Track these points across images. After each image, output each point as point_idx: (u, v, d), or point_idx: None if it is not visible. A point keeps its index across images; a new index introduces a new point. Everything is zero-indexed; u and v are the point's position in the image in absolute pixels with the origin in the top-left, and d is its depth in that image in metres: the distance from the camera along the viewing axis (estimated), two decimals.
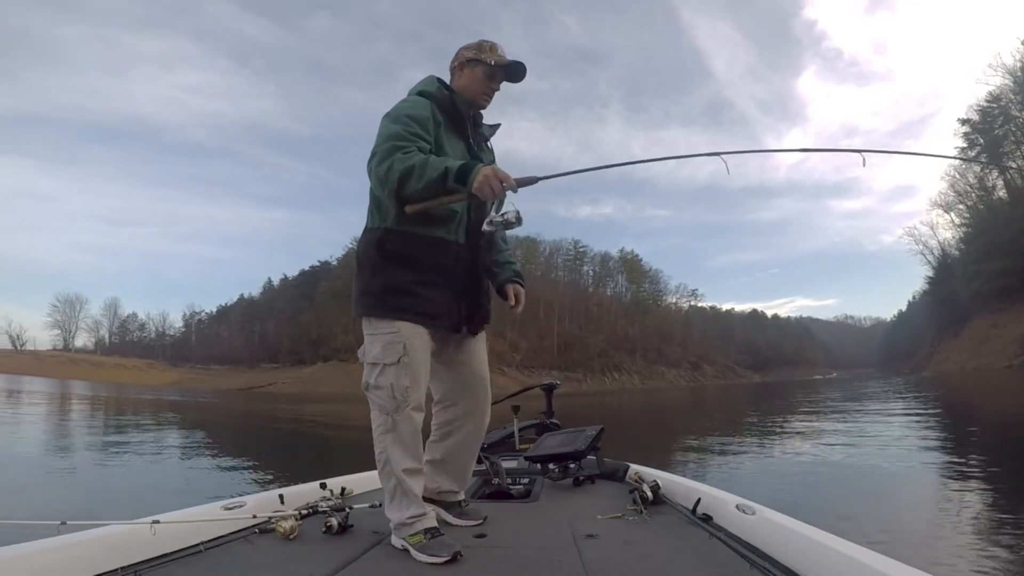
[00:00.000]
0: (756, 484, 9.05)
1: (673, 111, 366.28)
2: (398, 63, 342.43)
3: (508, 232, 2.70)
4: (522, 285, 3.07)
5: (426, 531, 2.35)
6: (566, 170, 2.64)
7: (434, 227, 2.59)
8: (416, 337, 2.53)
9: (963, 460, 9.93)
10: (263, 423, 25.63)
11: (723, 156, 2.75)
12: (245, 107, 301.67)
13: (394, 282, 2.56)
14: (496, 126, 3.06)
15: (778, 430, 17.37)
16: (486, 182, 2.28)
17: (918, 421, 17.23)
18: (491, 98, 2.90)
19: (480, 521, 2.87)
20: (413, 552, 2.30)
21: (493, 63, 2.81)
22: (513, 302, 2.98)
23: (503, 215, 2.42)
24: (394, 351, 2.49)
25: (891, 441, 12.87)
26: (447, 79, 2.92)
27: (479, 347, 2.94)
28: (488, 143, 3.05)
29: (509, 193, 2.40)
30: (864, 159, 2.75)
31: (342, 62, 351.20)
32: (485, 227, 2.46)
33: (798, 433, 16.25)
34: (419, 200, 2.43)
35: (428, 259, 2.59)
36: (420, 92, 2.76)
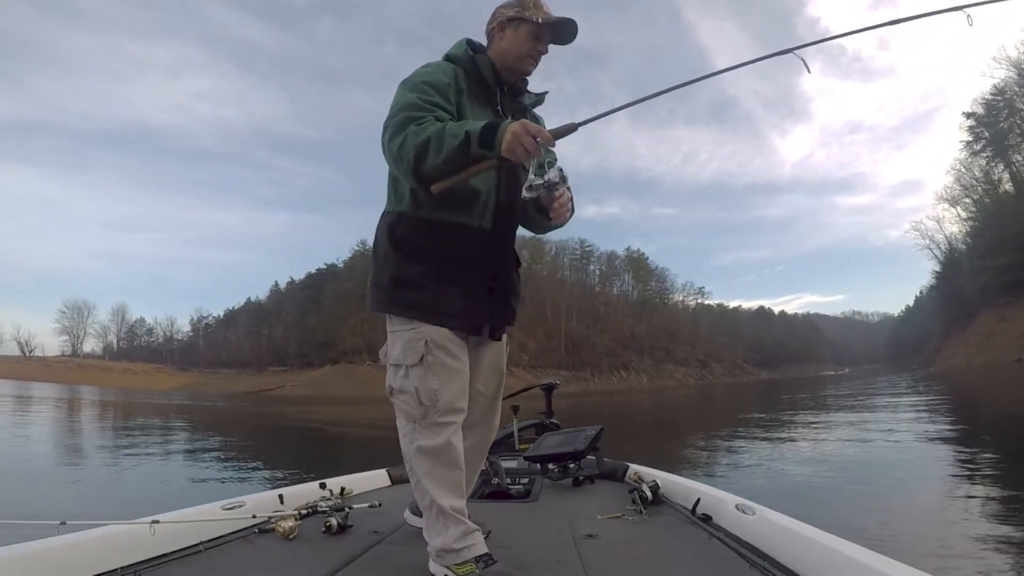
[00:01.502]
0: (773, 484, 9.03)
1: (678, 110, 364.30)
2: (403, 66, 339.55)
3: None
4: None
5: (478, 559, 2.06)
6: (608, 110, 2.37)
7: (455, 211, 2.27)
8: (439, 333, 2.22)
9: (975, 457, 9.88)
10: (272, 426, 25.65)
11: (796, 52, 2.50)
12: (251, 112, 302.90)
13: (402, 274, 2.27)
14: (543, 94, 2.68)
15: (802, 428, 17.32)
16: (516, 140, 1.96)
17: (928, 418, 17.13)
18: (537, 62, 2.50)
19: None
20: None
21: (540, 20, 2.40)
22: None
23: (544, 177, 2.08)
24: (415, 350, 2.19)
25: (904, 439, 12.82)
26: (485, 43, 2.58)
27: (498, 354, 2.59)
28: (532, 113, 2.68)
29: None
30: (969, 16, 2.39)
31: (347, 66, 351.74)
32: (525, 193, 2.12)
33: (817, 430, 16.21)
34: (442, 176, 2.10)
35: (445, 250, 2.26)
36: (447, 56, 2.49)
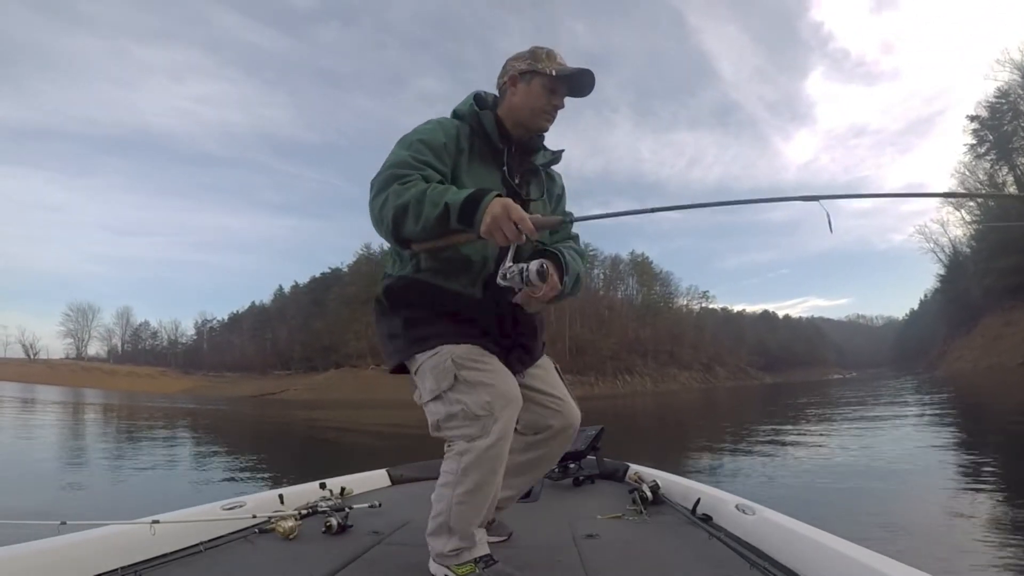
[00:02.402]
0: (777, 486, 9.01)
1: (681, 114, 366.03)
2: (408, 70, 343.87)
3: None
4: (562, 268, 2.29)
5: (477, 560, 2.03)
6: (604, 212, 2.26)
7: (449, 278, 2.19)
8: (462, 348, 2.10)
9: (979, 460, 9.86)
10: (275, 429, 25.66)
11: (821, 202, 2.01)
12: (256, 116, 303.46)
13: (412, 315, 2.20)
14: (559, 152, 2.53)
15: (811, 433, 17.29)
16: (495, 224, 1.83)
17: (934, 422, 17.09)
18: (554, 117, 2.36)
19: (506, 537, 2.59)
20: None
21: (554, 73, 2.26)
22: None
23: (522, 269, 1.93)
24: (446, 373, 2.05)
25: (911, 443, 12.78)
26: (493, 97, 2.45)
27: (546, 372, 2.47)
28: (546, 172, 2.54)
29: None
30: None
31: (352, 70, 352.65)
32: (499, 280, 1.98)
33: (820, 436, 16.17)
34: (423, 241, 2.03)
35: (442, 308, 2.19)
36: (454, 112, 2.39)
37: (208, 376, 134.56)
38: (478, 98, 2.41)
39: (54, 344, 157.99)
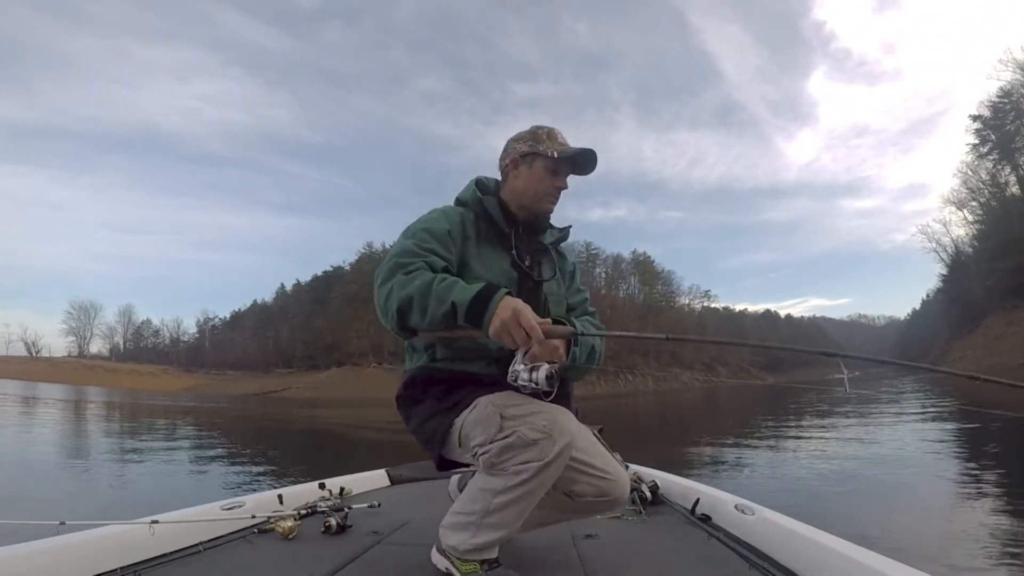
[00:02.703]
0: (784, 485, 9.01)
1: (683, 113, 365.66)
2: (410, 70, 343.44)
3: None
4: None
5: (483, 562, 1.96)
6: (611, 331, 2.16)
7: (467, 363, 2.15)
8: (501, 396, 1.99)
9: (980, 462, 9.85)
10: (277, 427, 25.67)
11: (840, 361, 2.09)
12: (259, 116, 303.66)
13: (438, 393, 2.15)
14: (566, 229, 2.50)
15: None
16: (505, 328, 1.77)
17: (934, 423, 17.06)
18: (557, 199, 2.33)
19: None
20: None
21: (555, 155, 2.25)
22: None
23: (531, 374, 1.85)
24: (491, 418, 1.92)
25: (910, 444, 12.76)
26: (495, 178, 2.44)
27: None
28: (556, 251, 2.51)
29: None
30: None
31: (354, 70, 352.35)
32: (508, 379, 1.91)
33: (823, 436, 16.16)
34: (428, 332, 1.98)
35: (467, 384, 2.12)
36: (457, 199, 2.37)
37: (210, 374, 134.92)
38: (480, 184, 2.38)
39: (56, 342, 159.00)
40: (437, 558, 2.09)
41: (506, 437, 1.86)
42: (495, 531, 1.93)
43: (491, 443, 1.88)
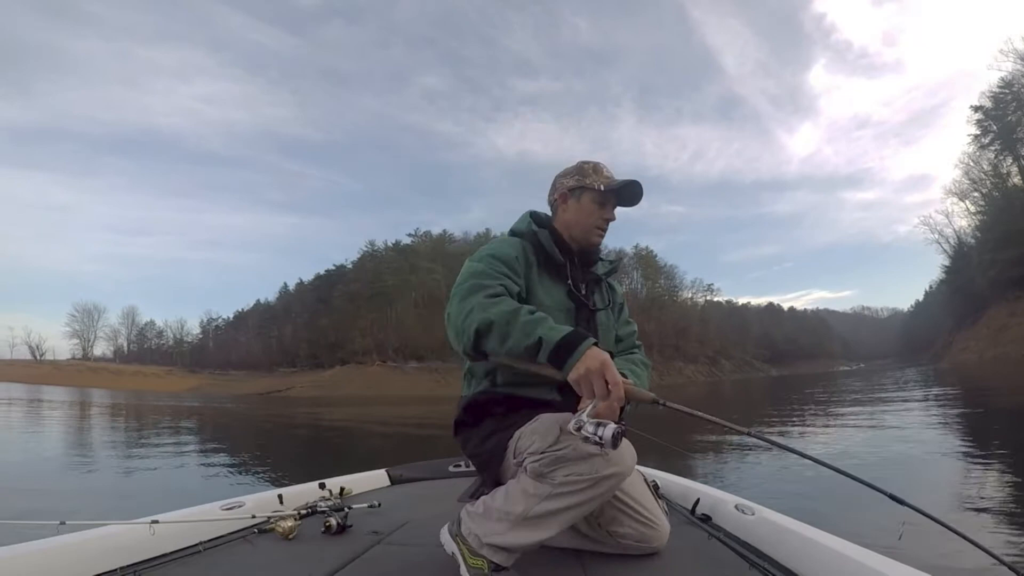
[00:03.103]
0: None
1: (685, 108, 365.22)
2: (411, 68, 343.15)
3: None
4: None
5: (492, 564, 1.89)
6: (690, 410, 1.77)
7: (528, 389, 2.15)
8: (566, 414, 1.90)
9: (985, 455, 9.81)
10: (281, 426, 25.66)
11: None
12: (260, 115, 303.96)
13: (499, 413, 2.17)
14: (617, 262, 2.59)
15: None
16: (587, 377, 1.72)
17: (938, 415, 17.02)
18: (605, 231, 2.41)
19: None
20: (463, 570, 1.93)
21: (602, 188, 2.33)
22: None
23: (597, 428, 1.71)
24: (550, 429, 1.90)
25: (913, 437, 12.73)
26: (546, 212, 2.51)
27: None
28: (607, 283, 2.57)
29: None
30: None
31: (356, 68, 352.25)
32: (570, 427, 1.77)
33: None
34: (499, 358, 1.95)
35: (528, 406, 2.11)
36: (512, 231, 2.43)
37: (214, 374, 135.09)
38: (534, 216, 2.47)
39: (60, 345, 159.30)
40: (446, 538, 2.08)
41: (561, 449, 1.83)
42: (528, 536, 1.87)
43: (544, 453, 1.86)
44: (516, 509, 1.87)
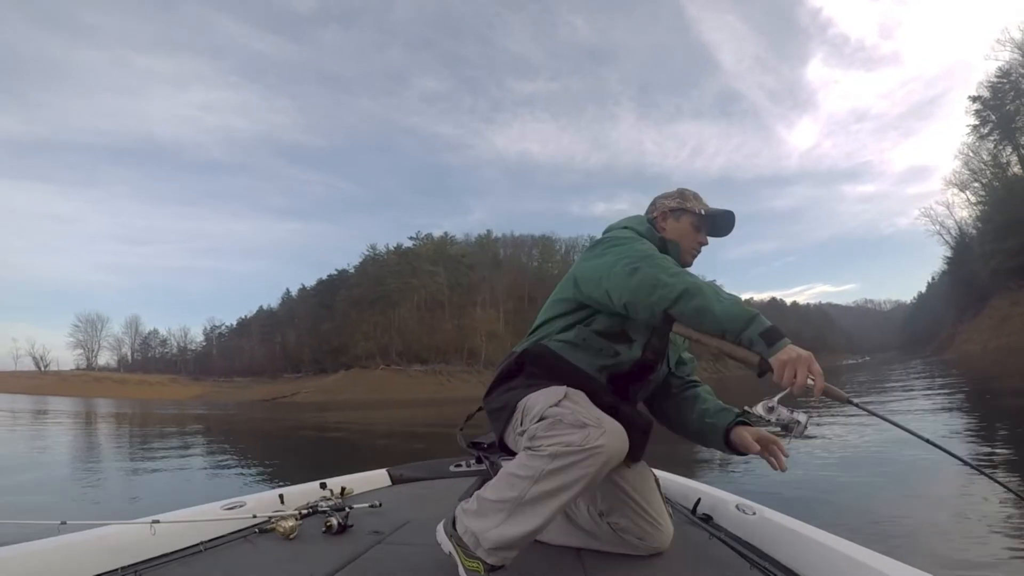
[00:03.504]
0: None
1: (684, 105, 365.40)
2: (409, 71, 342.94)
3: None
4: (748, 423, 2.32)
5: (487, 566, 1.85)
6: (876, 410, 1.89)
7: (585, 356, 2.19)
8: (580, 392, 1.99)
9: (989, 448, 9.79)
10: (286, 432, 25.67)
11: None
12: (260, 122, 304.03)
13: (535, 372, 2.17)
14: None
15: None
16: (795, 363, 1.75)
17: (942, 406, 16.99)
18: (697, 255, 2.48)
19: None
20: (461, 571, 1.89)
21: (703, 212, 2.43)
22: (757, 449, 2.21)
23: (793, 416, 1.83)
24: (555, 393, 1.95)
25: (925, 427, 12.70)
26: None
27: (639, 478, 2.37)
28: None
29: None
30: None
31: (353, 72, 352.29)
32: (759, 409, 1.88)
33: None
34: (687, 326, 1.95)
35: (562, 375, 2.11)
36: (630, 227, 2.39)
37: (218, 382, 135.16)
38: (652, 223, 2.51)
39: (64, 355, 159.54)
40: (442, 537, 2.02)
41: (555, 416, 1.85)
42: (523, 525, 1.80)
43: (541, 418, 1.87)
44: (509, 495, 1.83)
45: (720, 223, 2.46)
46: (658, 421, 2.51)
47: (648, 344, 2.27)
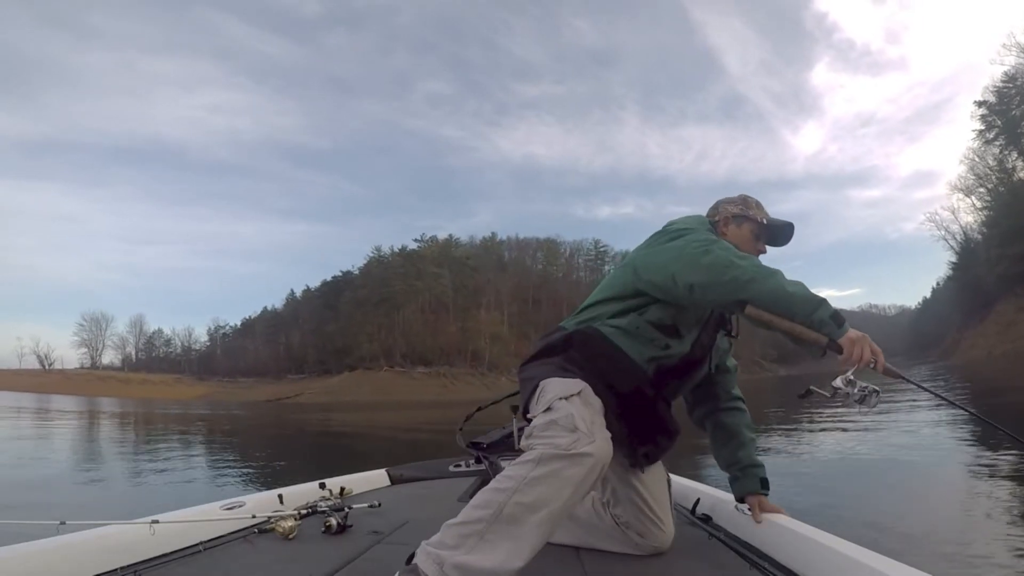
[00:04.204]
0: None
1: (689, 109, 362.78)
2: (414, 74, 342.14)
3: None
4: (765, 494, 2.46)
5: None
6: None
7: (634, 345, 2.19)
8: (597, 398, 1.99)
9: (994, 453, 9.76)
10: (290, 432, 25.72)
11: None
12: (265, 124, 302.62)
13: (574, 357, 2.16)
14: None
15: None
16: (861, 342, 1.84)
17: (946, 412, 16.97)
18: None
19: None
20: None
21: (765, 221, 2.45)
22: (759, 518, 2.35)
23: (864, 386, 1.93)
24: (574, 386, 1.96)
25: (921, 434, 12.67)
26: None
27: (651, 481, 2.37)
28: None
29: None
30: None
31: (359, 75, 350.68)
32: (839, 383, 1.95)
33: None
34: (758, 308, 1.97)
35: (604, 363, 2.14)
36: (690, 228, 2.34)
37: (223, 382, 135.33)
38: (713, 227, 2.50)
39: (69, 354, 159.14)
40: (426, 564, 1.63)
41: (557, 413, 1.84)
42: (497, 551, 1.64)
43: (548, 408, 1.88)
44: (483, 514, 1.67)
45: (780, 234, 2.49)
46: (690, 417, 2.64)
47: (698, 340, 2.30)
